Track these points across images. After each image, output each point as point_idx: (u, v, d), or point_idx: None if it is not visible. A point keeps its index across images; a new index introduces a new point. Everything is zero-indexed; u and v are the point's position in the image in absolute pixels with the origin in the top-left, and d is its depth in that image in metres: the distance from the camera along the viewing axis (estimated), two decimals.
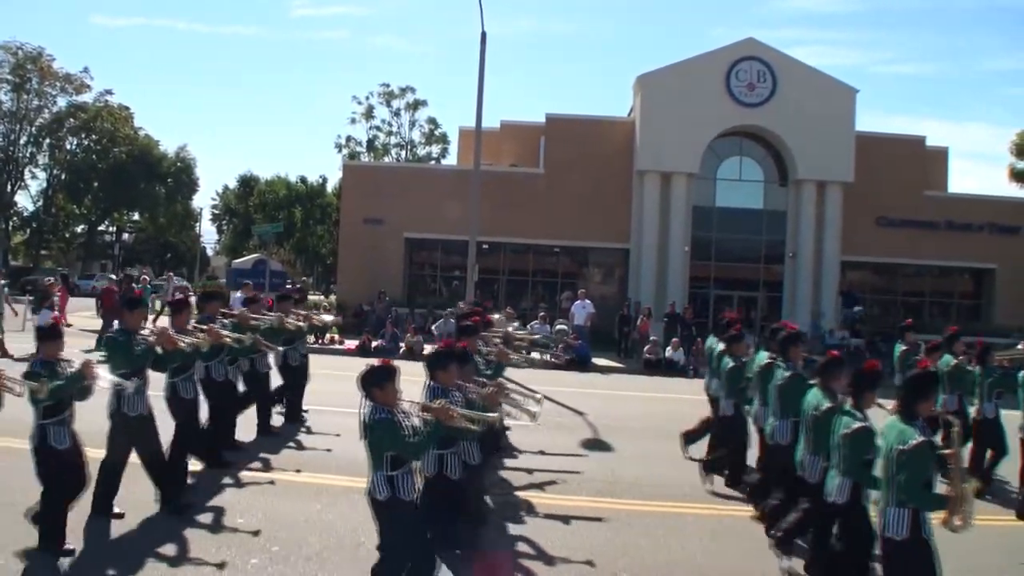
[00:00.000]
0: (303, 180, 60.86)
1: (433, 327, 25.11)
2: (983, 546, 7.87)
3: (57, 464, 6.51)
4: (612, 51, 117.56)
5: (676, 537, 7.85)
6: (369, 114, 56.71)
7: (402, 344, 23.37)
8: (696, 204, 30.44)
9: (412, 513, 5.49)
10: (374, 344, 23.04)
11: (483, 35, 23.86)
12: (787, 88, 29.37)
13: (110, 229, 66.37)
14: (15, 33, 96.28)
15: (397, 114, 57.20)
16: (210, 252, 79.71)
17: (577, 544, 7.46)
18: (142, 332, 7.77)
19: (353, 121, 57.04)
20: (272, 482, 8.98)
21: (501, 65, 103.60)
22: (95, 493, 7.25)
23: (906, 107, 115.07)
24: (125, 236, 70.26)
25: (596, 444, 12.07)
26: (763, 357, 8.71)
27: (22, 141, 52.88)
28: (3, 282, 21.22)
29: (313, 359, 12.98)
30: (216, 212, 73.08)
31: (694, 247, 30.41)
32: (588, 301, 24.99)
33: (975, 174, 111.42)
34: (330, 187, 58.96)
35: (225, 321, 9.87)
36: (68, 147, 55.27)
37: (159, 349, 7.71)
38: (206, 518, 7.66)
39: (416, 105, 57.10)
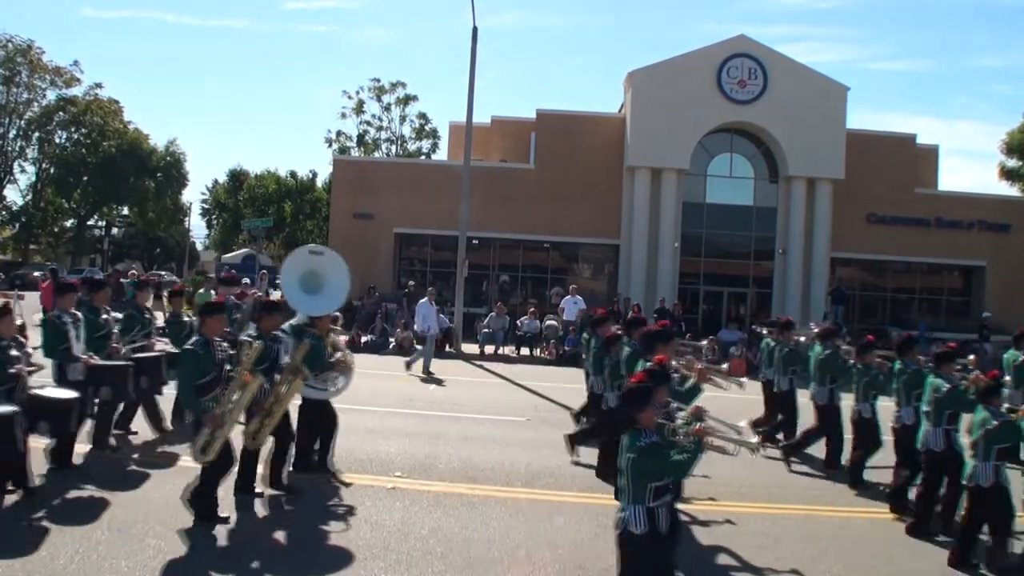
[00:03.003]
0: (293, 175, 60.55)
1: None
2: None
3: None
4: (602, 45, 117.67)
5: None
6: (359, 109, 56.49)
7: (392, 340, 23.35)
8: (686, 200, 30.49)
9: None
10: (363, 339, 23.00)
11: (474, 30, 23.82)
12: (778, 85, 29.41)
13: (99, 224, 65.96)
14: (4, 25, 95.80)
15: (387, 109, 57.00)
16: (200, 247, 79.37)
17: (566, 539, 7.46)
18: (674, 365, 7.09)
19: (343, 116, 56.87)
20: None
21: (491, 59, 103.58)
22: None
23: (896, 104, 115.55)
24: (114, 231, 69.82)
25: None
26: None
27: (11, 135, 52.53)
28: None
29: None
30: (206, 207, 72.74)
31: (684, 243, 30.47)
32: (579, 297, 24.99)
33: (965, 172, 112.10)
34: (320, 182, 58.70)
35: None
36: (57, 141, 54.92)
37: None
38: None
39: (407, 100, 56.94)
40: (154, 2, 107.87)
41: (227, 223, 62.02)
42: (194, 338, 7.48)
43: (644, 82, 30.00)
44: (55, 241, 59.79)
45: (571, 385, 17.27)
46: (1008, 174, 42.84)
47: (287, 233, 56.74)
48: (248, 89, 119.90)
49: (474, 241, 28.73)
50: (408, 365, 18.53)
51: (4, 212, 55.29)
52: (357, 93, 56.34)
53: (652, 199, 29.93)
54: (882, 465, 9.86)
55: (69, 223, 60.61)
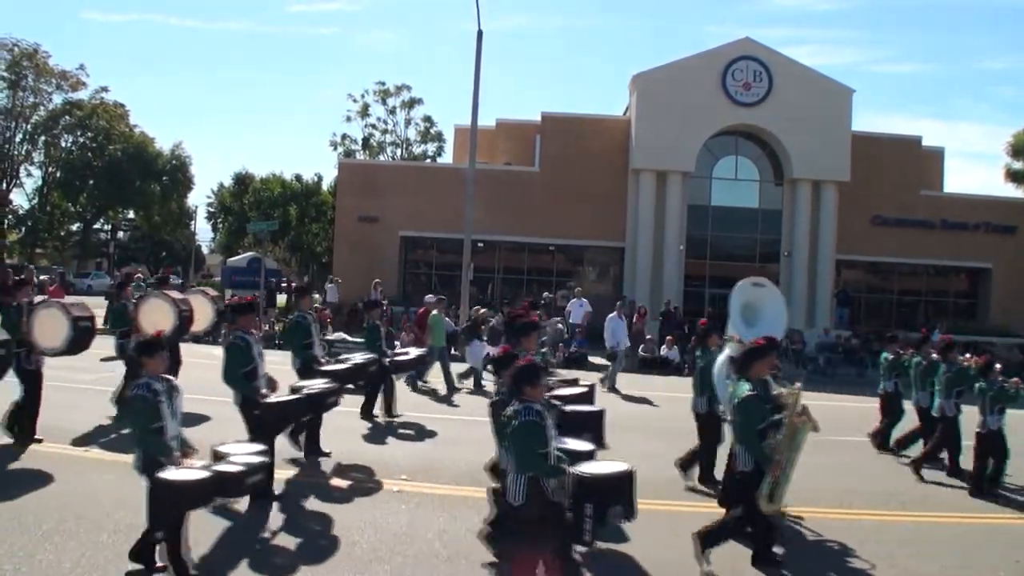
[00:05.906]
0: (298, 178, 60.42)
1: None
2: (979, 542, 7.90)
3: None
4: (607, 48, 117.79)
5: (668, 535, 7.83)
6: (364, 112, 56.45)
7: (397, 343, 23.30)
8: (691, 203, 30.48)
9: None
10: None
11: (479, 33, 23.89)
12: (783, 88, 29.39)
13: (105, 227, 66.17)
14: (10, 29, 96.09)
15: (392, 112, 56.91)
16: (205, 250, 79.42)
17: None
18: None
19: (348, 119, 56.79)
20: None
21: (496, 62, 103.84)
22: None
23: (901, 106, 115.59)
24: (120, 234, 70.00)
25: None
26: None
27: (17, 139, 52.63)
28: None
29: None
30: (211, 210, 72.63)
31: (689, 246, 30.44)
32: (585, 300, 24.99)
33: (970, 174, 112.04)
34: (325, 185, 58.61)
35: None
36: (63, 145, 55.01)
37: None
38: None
39: (412, 103, 56.87)
40: (158, 5, 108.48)
41: (232, 226, 61.97)
42: (746, 385, 6.92)
43: (649, 85, 30.00)
44: (61, 245, 59.90)
45: (572, 387, 17.18)
46: (1014, 176, 42.66)
47: (292, 236, 56.75)
48: (253, 92, 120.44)
49: (479, 244, 28.77)
50: (602, 382, 17.09)
51: (10, 216, 55.43)
52: (362, 96, 56.27)
53: (657, 202, 29.91)
54: None
55: (75, 227, 60.73)
